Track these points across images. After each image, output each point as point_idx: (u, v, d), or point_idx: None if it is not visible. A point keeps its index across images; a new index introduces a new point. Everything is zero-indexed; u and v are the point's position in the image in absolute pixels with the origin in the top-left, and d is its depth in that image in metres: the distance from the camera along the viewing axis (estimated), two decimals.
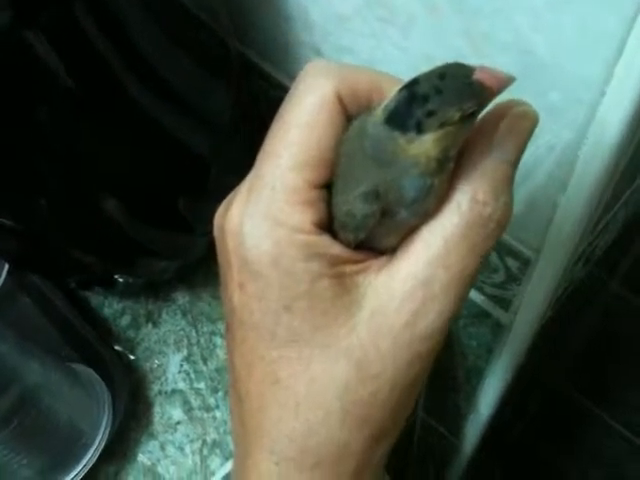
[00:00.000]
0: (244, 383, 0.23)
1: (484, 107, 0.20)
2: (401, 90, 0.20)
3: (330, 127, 0.21)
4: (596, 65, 0.25)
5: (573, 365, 0.73)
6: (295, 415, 0.22)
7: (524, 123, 0.21)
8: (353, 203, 0.21)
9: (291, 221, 0.21)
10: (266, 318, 0.22)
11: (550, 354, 0.68)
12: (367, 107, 0.22)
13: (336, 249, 0.22)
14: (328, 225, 0.22)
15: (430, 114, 0.19)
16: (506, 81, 0.20)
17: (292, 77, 0.45)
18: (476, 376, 0.52)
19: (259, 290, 0.22)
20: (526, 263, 0.38)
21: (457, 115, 0.19)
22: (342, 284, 0.21)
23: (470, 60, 0.30)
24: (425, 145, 0.20)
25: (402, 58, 0.34)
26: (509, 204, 0.21)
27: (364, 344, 0.21)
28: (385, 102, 0.21)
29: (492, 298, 0.44)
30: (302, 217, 0.21)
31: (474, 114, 0.20)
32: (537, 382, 0.72)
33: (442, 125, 0.19)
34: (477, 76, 0.20)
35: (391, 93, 0.21)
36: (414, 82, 0.20)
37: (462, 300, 0.22)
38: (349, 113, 0.22)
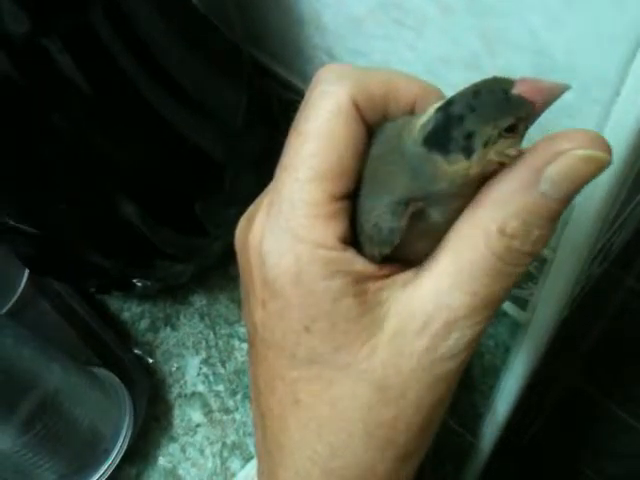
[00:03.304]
0: (266, 400, 0.23)
1: (528, 121, 0.20)
2: (437, 110, 0.20)
3: (347, 136, 0.21)
4: (611, 65, 0.25)
5: (591, 362, 0.73)
6: (317, 437, 0.21)
7: (585, 167, 0.19)
8: (381, 215, 0.21)
9: (312, 236, 0.20)
10: (286, 338, 0.21)
11: (568, 352, 0.67)
12: (384, 109, 0.22)
13: (360, 265, 0.21)
14: (353, 237, 0.22)
15: (469, 135, 0.19)
16: (554, 91, 0.19)
17: (305, 79, 0.45)
18: (493, 375, 0.52)
19: (280, 309, 0.21)
20: (543, 262, 0.38)
21: (495, 132, 0.19)
22: (365, 302, 0.21)
23: (484, 60, 0.30)
24: (467, 165, 0.19)
25: (416, 60, 0.34)
26: (544, 237, 0.20)
27: (385, 366, 0.20)
28: (423, 119, 0.20)
29: (509, 297, 0.44)
30: (324, 231, 0.21)
31: (515, 129, 0.19)
32: (555, 380, 0.72)
33: (486, 145, 0.19)
34: (516, 89, 0.19)
35: (428, 107, 0.20)
36: (449, 102, 0.20)
37: (486, 322, 0.21)
38: (365, 117, 0.21)
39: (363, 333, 0.21)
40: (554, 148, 0.19)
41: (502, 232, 0.20)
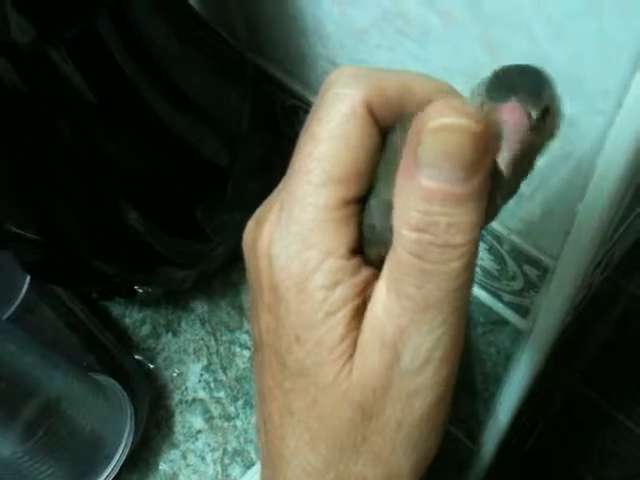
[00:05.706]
0: (268, 406, 0.22)
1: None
2: None
3: (361, 139, 0.20)
4: (613, 76, 0.25)
5: (593, 368, 0.73)
6: (311, 449, 0.21)
7: (448, 140, 0.17)
8: (374, 214, 0.20)
9: (322, 242, 0.20)
10: (281, 345, 0.21)
11: (569, 358, 0.67)
12: (399, 111, 0.21)
13: (363, 275, 0.20)
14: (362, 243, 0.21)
15: None
16: None
17: (308, 87, 0.46)
18: (494, 383, 0.52)
19: (281, 314, 0.21)
20: (545, 271, 0.38)
21: None
22: (356, 318, 0.20)
23: (488, 70, 0.30)
24: None
25: (419, 69, 0.34)
26: (460, 225, 0.18)
27: (363, 386, 0.20)
28: None
29: (510, 305, 0.44)
30: (334, 238, 0.20)
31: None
32: (556, 387, 0.72)
33: None
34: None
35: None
36: None
37: (445, 328, 0.19)
38: (380, 120, 0.21)
39: (345, 353, 0.20)
40: (416, 127, 0.18)
41: (409, 227, 0.18)
